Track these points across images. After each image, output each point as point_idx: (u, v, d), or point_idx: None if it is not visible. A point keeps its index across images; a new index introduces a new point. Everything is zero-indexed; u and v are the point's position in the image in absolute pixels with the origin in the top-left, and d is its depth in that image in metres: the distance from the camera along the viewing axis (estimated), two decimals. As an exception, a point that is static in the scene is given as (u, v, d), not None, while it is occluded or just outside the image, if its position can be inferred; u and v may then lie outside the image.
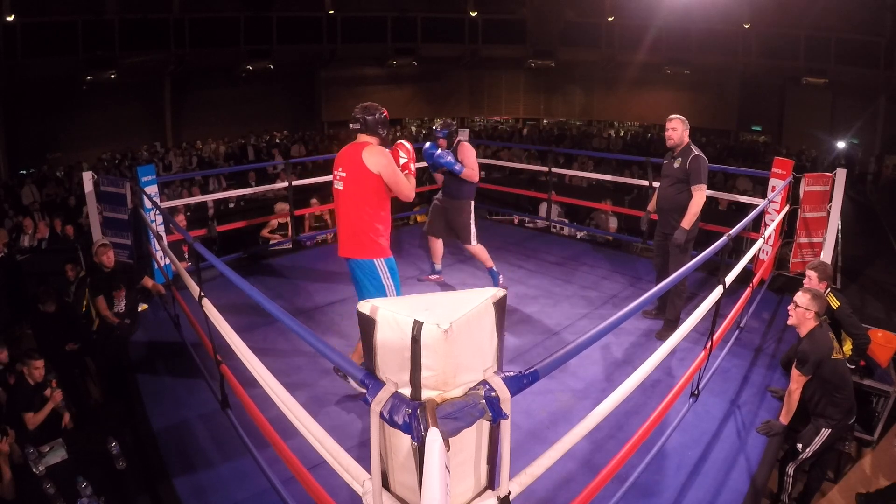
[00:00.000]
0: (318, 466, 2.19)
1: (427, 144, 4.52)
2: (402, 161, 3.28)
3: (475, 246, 4.69)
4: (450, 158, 4.40)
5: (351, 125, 3.17)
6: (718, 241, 2.99)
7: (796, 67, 14.12)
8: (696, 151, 3.96)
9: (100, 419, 4.04)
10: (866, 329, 3.87)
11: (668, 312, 4.10)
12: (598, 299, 4.76)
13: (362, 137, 3.15)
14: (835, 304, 3.72)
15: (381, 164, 3.03)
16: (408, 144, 3.38)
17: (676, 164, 4.01)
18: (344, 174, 3.12)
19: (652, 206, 4.41)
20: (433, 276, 5.08)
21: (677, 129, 4.03)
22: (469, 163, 4.47)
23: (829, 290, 3.76)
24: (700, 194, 3.92)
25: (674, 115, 4.06)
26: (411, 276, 5.14)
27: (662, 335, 4.03)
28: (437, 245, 4.95)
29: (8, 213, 8.88)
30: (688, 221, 3.94)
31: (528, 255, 5.78)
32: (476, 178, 4.56)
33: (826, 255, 4.74)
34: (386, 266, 3.21)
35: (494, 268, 4.81)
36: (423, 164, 4.81)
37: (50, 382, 3.73)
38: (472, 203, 4.66)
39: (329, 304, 4.68)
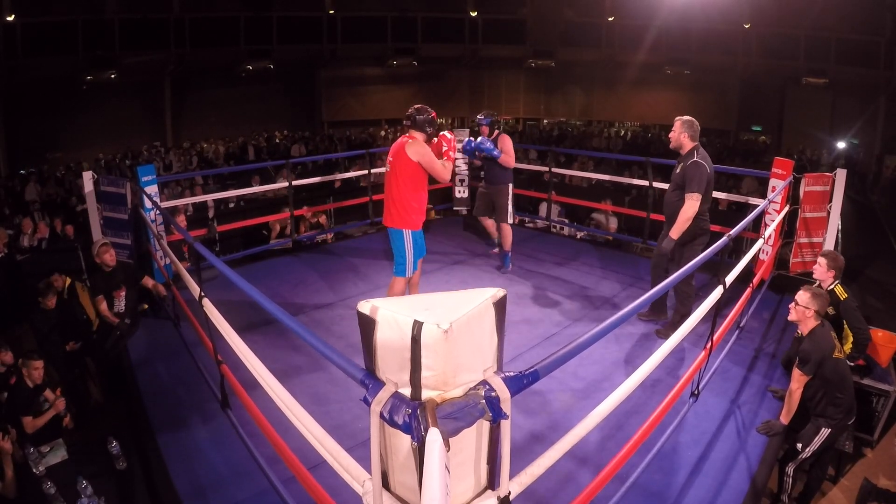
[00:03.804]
0: (319, 466, 2.18)
1: (476, 139, 5.10)
2: (444, 149, 3.88)
3: (507, 227, 5.23)
4: (489, 145, 4.96)
5: (404, 122, 3.80)
6: (718, 241, 2.99)
7: (796, 67, 14.12)
8: (696, 158, 3.80)
9: (100, 419, 4.04)
10: (868, 328, 3.86)
11: (674, 315, 4.05)
12: (598, 299, 4.76)
13: (411, 133, 3.77)
14: (842, 295, 3.69)
15: (420, 153, 3.68)
16: (449, 135, 3.95)
17: (678, 170, 3.91)
18: (391, 159, 3.78)
19: None
20: (494, 250, 5.75)
21: (675, 131, 3.93)
22: (507, 149, 5.03)
23: (837, 281, 3.76)
24: (691, 203, 3.76)
25: (679, 117, 3.94)
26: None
27: (665, 333, 4.01)
28: (489, 223, 5.55)
29: (7, 212, 8.88)
30: (676, 230, 3.82)
31: (528, 255, 5.77)
32: (512, 164, 5.12)
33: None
34: (411, 238, 3.82)
35: (510, 254, 5.30)
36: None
37: (55, 391, 3.73)
38: (511, 187, 5.21)
39: (329, 304, 4.68)
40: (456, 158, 7.00)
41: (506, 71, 18.79)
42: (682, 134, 3.90)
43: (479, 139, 4.99)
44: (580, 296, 4.83)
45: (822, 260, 3.79)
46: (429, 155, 3.71)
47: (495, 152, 4.95)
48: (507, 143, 5.05)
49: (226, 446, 2.93)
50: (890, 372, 3.99)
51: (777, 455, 3.16)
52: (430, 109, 3.82)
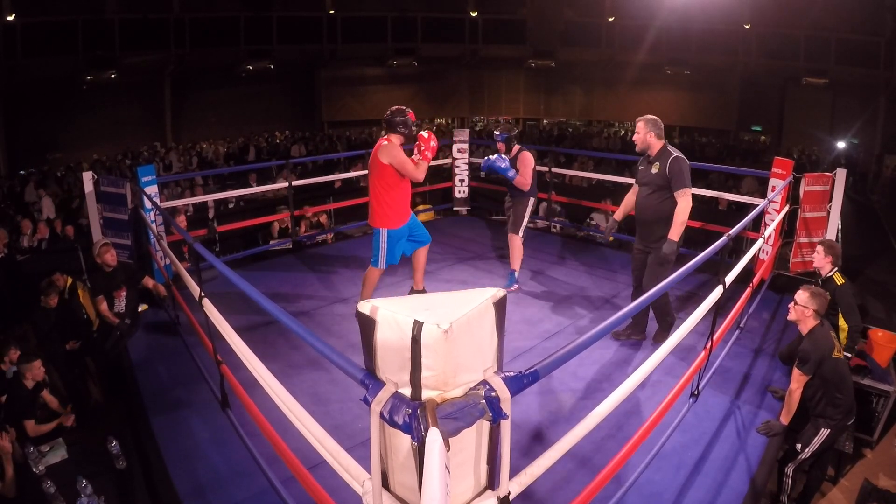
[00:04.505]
0: (318, 466, 2.18)
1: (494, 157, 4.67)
2: (421, 149, 3.99)
3: (517, 238, 4.81)
4: (503, 164, 4.56)
5: (382, 125, 3.99)
6: (718, 241, 2.99)
7: (796, 67, 14.13)
8: (674, 153, 3.61)
9: (100, 419, 4.04)
10: (860, 317, 3.87)
11: (661, 322, 3.91)
12: (598, 299, 4.76)
13: (389, 136, 3.94)
14: (839, 280, 3.72)
15: (391, 155, 3.86)
16: (426, 134, 4.02)
17: (655, 170, 3.66)
18: (369, 162, 4.01)
19: (619, 214, 4.09)
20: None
21: (640, 133, 3.69)
22: (523, 171, 4.59)
23: (836, 268, 3.79)
24: (686, 200, 3.58)
25: (642, 117, 3.73)
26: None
27: (659, 338, 3.90)
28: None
29: (8, 212, 8.88)
30: (676, 232, 3.60)
31: (528, 256, 5.75)
32: (526, 188, 4.65)
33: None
34: (386, 235, 4.01)
35: (517, 272, 4.90)
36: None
37: (65, 407, 3.74)
38: (532, 201, 4.81)
39: (329, 304, 4.68)
40: (457, 159, 6.97)
41: (506, 71, 18.79)
42: (648, 134, 3.68)
43: (493, 157, 4.60)
44: (580, 296, 4.83)
45: (819, 248, 3.85)
46: (399, 157, 3.87)
47: (510, 173, 4.55)
48: (525, 163, 4.60)
49: (226, 446, 2.93)
50: (890, 372, 3.99)
51: (777, 455, 3.16)
52: (405, 110, 3.95)
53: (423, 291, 4.56)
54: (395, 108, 3.97)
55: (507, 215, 5.00)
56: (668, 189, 3.62)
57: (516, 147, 4.74)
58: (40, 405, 3.64)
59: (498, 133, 4.75)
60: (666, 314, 3.88)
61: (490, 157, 4.66)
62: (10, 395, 3.63)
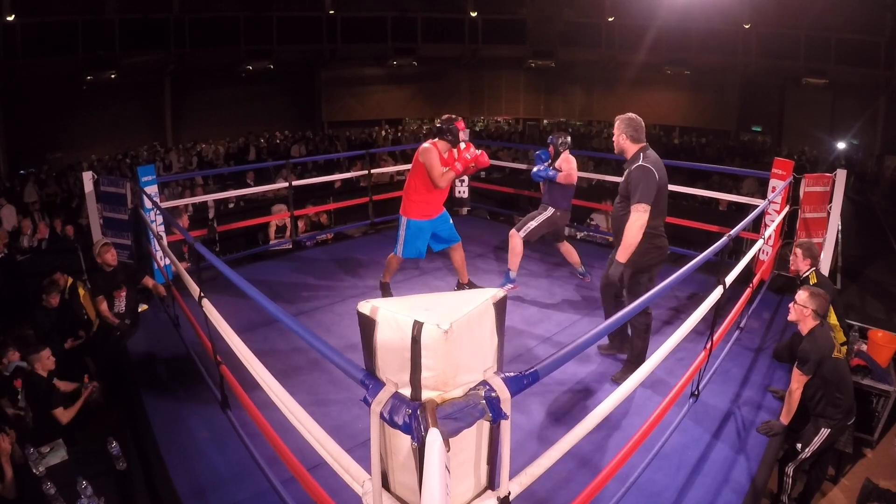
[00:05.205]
0: (318, 467, 2.18)
1: (540, 164, 4.91)
2: (456, 157, 4.18)
3: (516, 236, 4.77)
4: (543, 172, 4.82)
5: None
6: (718, 242, 2.99)
7: (796, 67, 14.12)
8: (641, 161, 3.15)
9: (100, 419, 4.04)
10: (863, 327, 3.90)
11: (630, 352, 3.50)
12: (598, 300, 4.74)
13: (437, 140, 4.21)
14: (813, 279, 3.79)
15: (425, 157, 4.13)
16: (462, 146, 4.20)
17: (623, 177, 3.28)
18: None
19: None
20: (581, 277, 5.25)
21: (614, 133, 3.28)
22: (565, 168, 4.76)
23: (813, 269, 3.85)
24: (637, 216, 3.08)
25: (619, 116, 3.29)
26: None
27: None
28: (564, 249, 5.11)
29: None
30: (622, 252, 3.15)
31: (528, 256, 5.75)
32: (573, 181, 4.81)
33: (826, 255, 4.74)
34: (406, 224, 4.27)
35: (513, 273, 4.88)
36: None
37: (82, 378, 3.81)
38: (551, 210, 4.81)
39: (329, 304, 4.68)
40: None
41: (506, 71, 18.78)
42: (620, 135, 3.23)
43: (534, 169, 4.88)
44: (580, 296, 4.83)
45: (797, 251, 3.90)
46: (431, 161, 4.11)
47: (550, 173, 4.76)
48: (566, 162, 4.77)
49: (226, 446, 2.93)
50: (890, 372, 4.00)
51: (777, 455, 3.16)
52: (454, 119, 4.19)
53: (471, 284, 4.76)
54: (446, 116, 4.23)
55: None
56: (629, 200, 3.19)
57: (563, 151, 4.86)
58: (59, 393, 3.65)
59: (552, 136, 4.93)
60: (642, 332, 3.40)
61: (536, 168, 4.89)
62: (29, 390, 3.65)
